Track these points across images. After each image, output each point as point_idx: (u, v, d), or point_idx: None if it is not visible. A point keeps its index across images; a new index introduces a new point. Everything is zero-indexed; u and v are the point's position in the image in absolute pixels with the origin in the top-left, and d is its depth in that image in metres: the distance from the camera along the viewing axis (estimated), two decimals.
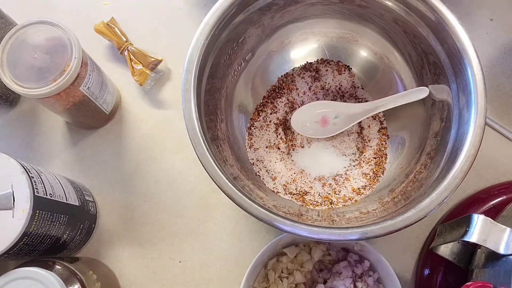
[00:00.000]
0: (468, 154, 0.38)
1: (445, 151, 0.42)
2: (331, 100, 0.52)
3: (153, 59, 0.54)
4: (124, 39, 0.55)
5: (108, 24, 0.55)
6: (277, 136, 0.51)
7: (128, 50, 0.54)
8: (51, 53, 0.43)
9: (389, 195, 0.45)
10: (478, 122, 0.39)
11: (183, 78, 0.41)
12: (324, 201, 0.48)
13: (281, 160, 0.50)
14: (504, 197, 0.48)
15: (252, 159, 0.50)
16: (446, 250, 0.44)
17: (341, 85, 0.52)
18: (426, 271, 0.48)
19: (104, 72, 0.51)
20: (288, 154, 0.51)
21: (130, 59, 0.54)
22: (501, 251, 0.37)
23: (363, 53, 0.52)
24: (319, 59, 0.53)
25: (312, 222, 0.41)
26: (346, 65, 0.52)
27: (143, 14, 0.58)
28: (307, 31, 0.52)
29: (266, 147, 0.51)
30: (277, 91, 0.52)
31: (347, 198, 0.48)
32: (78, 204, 0.46)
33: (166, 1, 0.58)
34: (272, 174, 0.49)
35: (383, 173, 0.49)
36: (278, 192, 0.48)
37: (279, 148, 0.51)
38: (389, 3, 0.45)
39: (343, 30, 0.51)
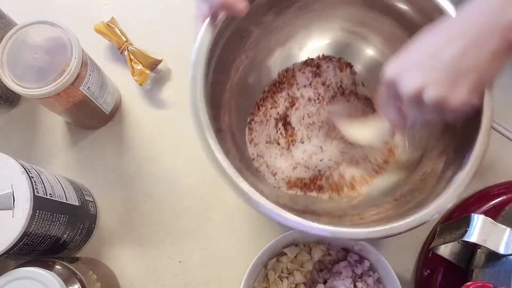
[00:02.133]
0: (474, 160, 0.38)
1: (451, 155, 0.42)
2: (331, 96, 0.52)
3: (153, 59, 0.54)
4: (124, 39, 0.55)
5: (108, 24, 0.55)
6: (277, 131, 0.51)
7: (128, 50, 0.54)
8: (51, 53, 0.43)
9: (395, 193, 0.45)
10: (484, 126, 0.39)
11: (191, 70, 0.40)
12: (325, 196, 0.48)
13: (281, 156, 0.50)
14: (504, 197, 0.48)
15: (253, 154, 0.50)
16: (446, 250, 0.44)
17: (342, 82, 0.52)
18: (426, 271, 0.48)
19: (104, 72, 0.51)
20: (288, 149, 0.51)
21: (130, 59, 0.54)
22: (501, 251, 0.37)
23: (369, 51, 0.51)
24: (321, 55, 0.53)
25: (316, 218, 0.42)
26: (348, 63, 0.52)
27: (143, 14, 0.58)
28: (311, 27, 0.51)
29: (266, 142, 0.50)
30: (277, 85, 0.52)
31: (349, 194, 0.48)
32: (78, 204, 0.46)
33: (166, 1, 0.58)
34: (273, 170, 0.49)
35: (385, 169, 0.49)
36: (280, 187, 0.48)
37: (279, 144, 0.51)
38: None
39: (354, 22, 0.50)
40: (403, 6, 0.45)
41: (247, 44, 0.49)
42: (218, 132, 0.43)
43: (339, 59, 0.52)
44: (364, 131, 0.46)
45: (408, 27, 0.45)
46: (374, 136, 0.45)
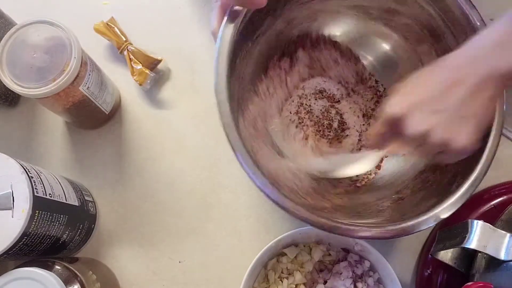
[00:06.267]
0: (484, 164, 0.39)
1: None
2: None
3: (152, 59, 0.54)
4: (124, 39, 0.55)
5: (107, 24, 0.55)
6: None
7: (127, 50, 0.54)
8: (50, 52, 0.43)
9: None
10: (494, 133, 0.40)
11: (217, 44, 0.39)
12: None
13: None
14: (505, 197, 0.48)
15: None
16: (446, 255, 0.44)
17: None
18: (427, 272, 0.47)
19: (104, 72, 0.51)
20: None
21: (130, 59, 0.54)
22: (502, 257, 0.36)
23: (384, 46, 0.52)
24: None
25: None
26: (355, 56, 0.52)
27: (143, 14, 0.58)
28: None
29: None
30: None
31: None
32: (77, 204, 0.46)
33: (166, 1, 0.58)
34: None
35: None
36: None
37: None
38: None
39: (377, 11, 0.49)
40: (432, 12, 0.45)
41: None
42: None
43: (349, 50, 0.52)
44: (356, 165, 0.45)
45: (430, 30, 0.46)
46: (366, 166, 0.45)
